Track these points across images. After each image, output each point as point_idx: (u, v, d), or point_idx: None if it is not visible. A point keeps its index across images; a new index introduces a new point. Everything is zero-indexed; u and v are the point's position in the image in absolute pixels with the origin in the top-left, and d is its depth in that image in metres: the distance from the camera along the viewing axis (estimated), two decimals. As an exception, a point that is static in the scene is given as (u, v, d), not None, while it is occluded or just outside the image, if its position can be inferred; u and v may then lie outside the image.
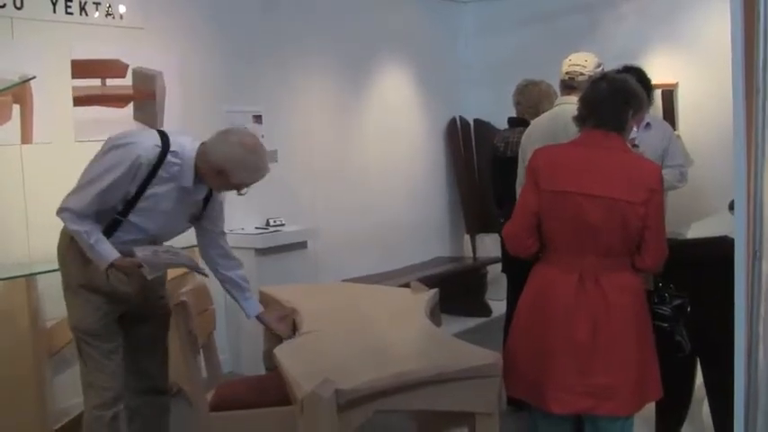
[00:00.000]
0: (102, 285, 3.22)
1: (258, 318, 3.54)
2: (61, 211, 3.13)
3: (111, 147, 3.13)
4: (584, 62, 4.11)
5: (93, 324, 3.22)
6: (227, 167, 3.08)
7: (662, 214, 3.04)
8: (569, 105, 3.96)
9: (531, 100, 4.89)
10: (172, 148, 3.13)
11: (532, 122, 4.25)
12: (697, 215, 4.88)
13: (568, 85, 4.12)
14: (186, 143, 3.17)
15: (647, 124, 4.67)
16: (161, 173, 3.12)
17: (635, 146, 4.28)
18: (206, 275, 3.45)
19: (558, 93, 4.40)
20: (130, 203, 3.13)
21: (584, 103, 3.17)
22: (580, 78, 4.04)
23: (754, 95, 3.03)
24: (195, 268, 3.36)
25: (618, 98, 3.10)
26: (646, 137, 4.58)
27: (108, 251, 3.11)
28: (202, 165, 3.14)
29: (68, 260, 3.25)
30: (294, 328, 3.43)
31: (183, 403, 4.04)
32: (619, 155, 3.07)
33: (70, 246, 3.21)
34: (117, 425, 3.25)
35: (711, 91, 6.36)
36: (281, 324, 3.54)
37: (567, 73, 4.14)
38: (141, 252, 3.12)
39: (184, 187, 3.18)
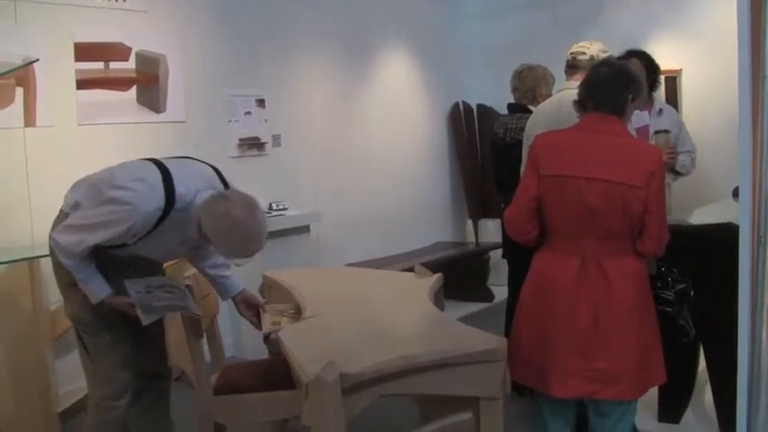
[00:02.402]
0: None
1: (232, 299, 3.50)
2: (51, 239, 3.01)
3: (110, 199, 2.86)
4: (588, 45, 4.12)
5: (94, 316, 3.13)
6: (213, 240, 2.87)
7: (663, 197, 3.03)
8: (574, 90, 3.96)
9: (527, 85, 4.89)
10: (177, 205, 2.89)
11: (536, 109, 4.24)
12: (700, 202, 4.88)
13: (571, 65, 4.12)
14: (193, 197, 2.91)
15: (660, 110, 4.65)
16: (166, 222, 2.91)
17: (666, 131, 4.27)
18: (201, 317, 3.32)
19: (559, 78, 4.38)
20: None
21: (584, 86, 3.17)
22: (581, 57, 4.03)
23: (760, 82, 3.03)
24: (191, 312, 3.22)
25: (618, 81, 3.10)
26: (660, 123, 4.56)
27: (98, 288, 3.02)
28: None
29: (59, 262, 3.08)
30: (298, 312, 3.43)
31: (187, 387, 4.05)
32: (618, 138, 3.07)
33: None
34: (126, 414, 3.24)
35: (715, 77, 6.34)
36: (248, 310, 3.50)
37: (570, 53, 4.16)
38: (134, 289, 3.02)
39: (184, 240, 3.04)
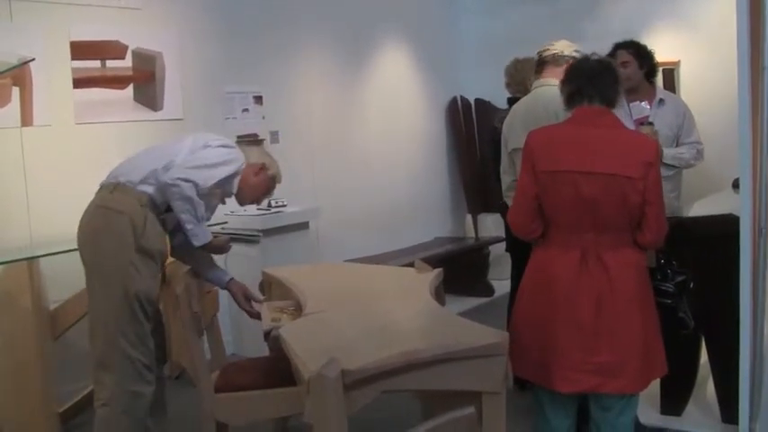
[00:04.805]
0: (165, 253, 3.37)
1: (227, 287, 3.66)
2: (185, 181, 3.22)
3: (222, 144, 3.44)
4: (553, 42, 4.21)
5: (154, 291, 3.28)
6: (266, 162, 3.65)
7: (660, 188, 3.02)
8: (546, 87, 3.98)
9: (517, 77, 4.97)
10: None
11: (511, 110, 4.27)
12: (701, 193, 4.87)
13: (539, 63, 4.21)
14: None
15: (661, 100, 4.61)
16: None
17: (650, 123, 4.26)
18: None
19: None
20: None
21: (574, 77, 3.14)
22: (546, 54, 4.13)
23: (759, 73, 3.02)
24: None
25: (610, 74, 3.11)
26: (660, 113, 4.53)
27: (208, 230, 3.38)
28: (247, 171, 3.54)
29: (144, 224, 3.23)
30: (298, 309, 3.43)
31: (187, 385, 4.05)
32: (613, 131, 3.06)
33: (143, 210, 3.25)
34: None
35: (713, 69, 6.34)
36: (246, 300, 3.64)
37: (537, 53, 4.25)
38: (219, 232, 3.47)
39: (225, 192, 3.51)
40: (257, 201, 3.80)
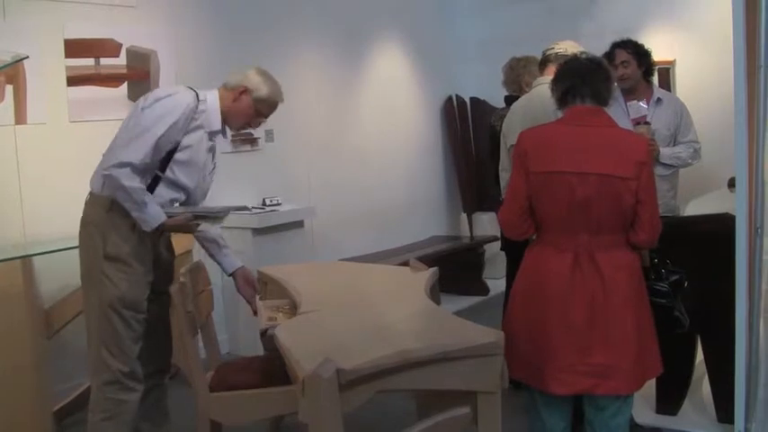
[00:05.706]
0: (146, 254, 3.27)
1: (232, 275, 3.64)
2: (116, 167, 3.08)
3: (156, 99, 3.21)
4: (558, 42, 4.24)
5: (139, 297, 3.24)
6: (249, 85, 3.37)
7: (654, 187, 3.02)
8: (544, 86, 4.00)
9: (512, 76, 5.05)
10: (200, 97, 3.30)
11: (511, 108, 4.29)
12: (697, 192, 4.87)
13: (542, 62, 4.26)
14: (208, 91, 3.37)
15: (658, 99, 4.60)
16: (194, 121, 3.26)
17: (646, 123, 4.25)
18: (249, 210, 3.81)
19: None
20: (169, 156, 3.21)
21: (565, 77, 3.13)
22: (549, 52, 4.18)
23: (755, 72, 3.02)
24: (241, 208, 3.94)
25: (602, 72, 3.11)
26: (658, 113, 4.53)
27: (159, 211, 3.16)
28: (225, 97, 3.37)
29: (110, 230, 3.21)
30: (294, 308, 3.42)
31: (182, 385, 4.03)
32: (605, 130, 3.06)
33: (109, 216, 3.20)
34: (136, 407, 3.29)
35: (710, 67, 6.34)
36: (246, 287, 3.64)
37: (543, 52, 4.29)
38: (184, 209, 3.28)
39: (212, 132, 3.36)
40: (249, 125, 3.57)
